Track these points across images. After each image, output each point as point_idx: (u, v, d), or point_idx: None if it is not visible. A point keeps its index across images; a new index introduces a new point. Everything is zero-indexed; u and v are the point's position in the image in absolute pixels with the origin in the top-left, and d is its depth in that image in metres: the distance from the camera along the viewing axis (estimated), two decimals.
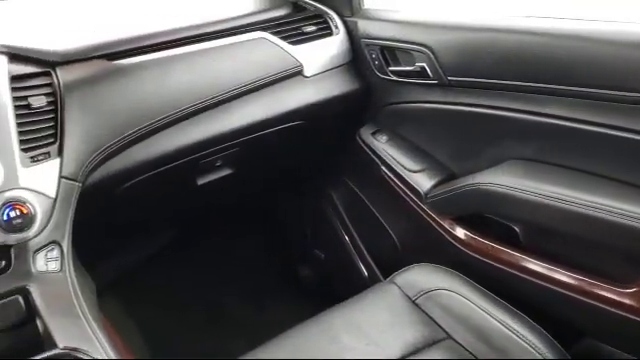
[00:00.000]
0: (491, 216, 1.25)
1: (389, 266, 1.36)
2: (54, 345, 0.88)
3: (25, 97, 1.03)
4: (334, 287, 1.77)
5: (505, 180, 1.18)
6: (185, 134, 1.23)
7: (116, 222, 1.37)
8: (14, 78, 1.03)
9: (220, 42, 1.29)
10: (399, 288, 1.15)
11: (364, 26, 1.41)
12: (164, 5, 1.45)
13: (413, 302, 1.12)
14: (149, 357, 1.58)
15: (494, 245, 1.23)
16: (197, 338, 1.70)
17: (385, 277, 1.26)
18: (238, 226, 2.01)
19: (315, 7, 1.48)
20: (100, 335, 0.90)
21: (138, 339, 1.63)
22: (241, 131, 1.30)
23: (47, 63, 1.09)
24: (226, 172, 1.43)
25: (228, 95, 1.25)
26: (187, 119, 1.22)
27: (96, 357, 0.85)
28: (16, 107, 1.01)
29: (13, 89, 1.01)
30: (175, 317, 1.76)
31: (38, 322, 0.95)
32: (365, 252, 1.61)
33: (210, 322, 1.79)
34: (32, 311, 0.96)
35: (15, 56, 1.06)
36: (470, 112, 1.25)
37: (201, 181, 1.39)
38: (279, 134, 1.37)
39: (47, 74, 1.08)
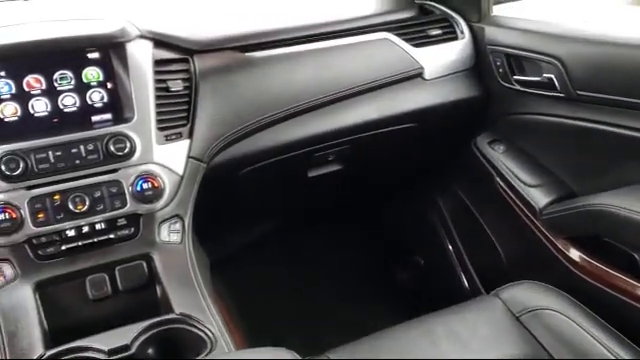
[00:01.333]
0: (610, 240, 1.18)
1: (491, 279, 1.33)
2: (171, 310, 0.96)
3: (165, 80, 1.12)
4: (431, 294, 1.75)
5: (629, 204, 1.11)
6: (304, 127, 1.27)
7: (231, 204, 1.44)
8: (157, 62, 1.12)
9: (345, 40, 1.32)
10: (503, 303, 1.12)
11: (491, 32, 1.38)
12: (294, 2, 1.50)
13: (517, 319, 1.09)
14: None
15: (610, 270, 1.16)
16: (289, 329, 1.75)
17: (486, 290, 1.23)
18: (340, 223, 2.04)
19: (442, 11, 1.48)
20: (212, 307, 0.96)
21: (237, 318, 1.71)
22: (356, 128, 1.33)
23: (186, 50, 1.17)
24: (336, 167, 1.46)
25: (348, 92, 1.29)
26: (307, 112, 1.26)
27: (207, 326, 0.91)
28: (156, 89, 1.10)
29: (155, 72, 1.11)
30: (269, 304, 1.81)
31: (157, 287, 1.04)
32: (468, 263, 1.58)
33: (302, 313, 1.83)
34: (153, 277, 1.05)
35: (159, 42, 1.14)
36: (597, 129, 1.19)
37: (312, 173, 1.44)
38: (392, 135, 1.38)
39: (185, 61, 1.17)
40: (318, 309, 1.84)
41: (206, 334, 0.92)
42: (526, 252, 1.37)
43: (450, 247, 1.64)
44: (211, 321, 0.94)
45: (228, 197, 1.37)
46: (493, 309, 1.12)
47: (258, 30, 1.28)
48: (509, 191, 1.38)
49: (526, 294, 1.14)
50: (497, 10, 1.44)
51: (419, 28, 1.40)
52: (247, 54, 1.24)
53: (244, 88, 1.21)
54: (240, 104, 1.20)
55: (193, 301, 0.98)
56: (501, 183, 1.40)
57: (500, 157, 1.42)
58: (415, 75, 1.36)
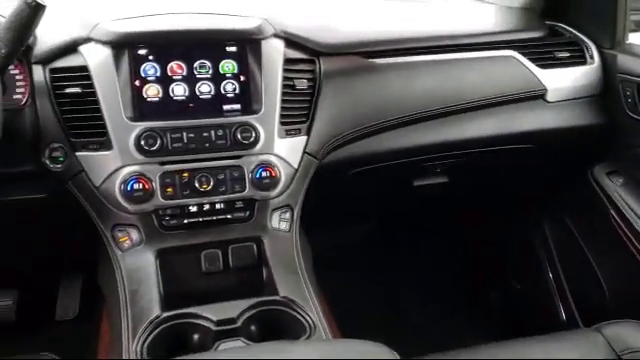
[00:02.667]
0: None
1: (591, 314, 1.28)
2: (275, 292, 1.02)
3: (292, 78, 1.19)
4: (524, 319, 1.70)
5: None
6: (417, 135, 1.30)
7: (335, 202, 1.49)
8: (286, 61, 1.19)
9: (469, 54, 1.33)
10: (605, 339, 1.08)
11: (624, 61, 1.33)
12: (421, 12, 1.52)
13: (619, 357, 1.04)
14: None
15: None
16: (373, 332, 1.77)
17: (585, 323, 1.19)
18: (436, 234, 2.03)
19: (572, 34, 1.44)
20: (313, 295, 1.01)
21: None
22: (469, 143, 1.33)
23: (314, 52, 1.23)
24: (442, 180, 1.47)
25: (467, 106, 1.29)
26: (423, 122, 1.28)
27: (308, 312, 0.96)
28: (283, 86, 1.17)
29: (284, 70, 1.17)
30: (354, 306, 1.84)
31: (264, 269, 1.11)
32: (568, 293, 1.53)
33: (386, 320, 1.84)
34: (261, 259, 1.12)
35: (290, 42, 1.21)
36: None
37: (417, 182, 1.45)
38: (506, 154, 1.37)
39: (312, 61, 1.23)
40: (403, 318, 1.85)
41: (306, 320, 0.97)
42: (633, 290, 1.31)
43: (550, 275, 1.59)
44: (312, 308, 0.99)
45: (333, 195, 1.42)
46: (594, 344, 1.08)
47: (383, 37, 1.32)
48: (623, 225, 1.32)
49: (630, 333, 1.09)
50: (633, 38, 1.39)
51: (547, 49, 1.38)
52: (370, 60, 1.28)
53: (364, 92, 1.25)
54: (359, 107, 1.24)
55: (296, 287, 1.03)
56: (616, 217, 1.34)
57: (618, 190, 1.36)
58: (537, 96, 1.34)
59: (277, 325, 0.98)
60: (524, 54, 1.35)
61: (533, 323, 1.33)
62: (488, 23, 1.45)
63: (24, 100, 1.09)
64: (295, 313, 0.97)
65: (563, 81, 1.36)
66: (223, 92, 1.15)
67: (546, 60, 1.36)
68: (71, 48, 1.10)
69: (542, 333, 1.13)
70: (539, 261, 1.63)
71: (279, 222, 1.17)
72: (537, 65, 1.34)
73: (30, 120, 1.07)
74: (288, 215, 1.18)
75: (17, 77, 1.09)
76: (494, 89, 1.31)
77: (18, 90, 1.10)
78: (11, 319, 1.59)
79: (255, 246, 1.13)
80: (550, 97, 1.35)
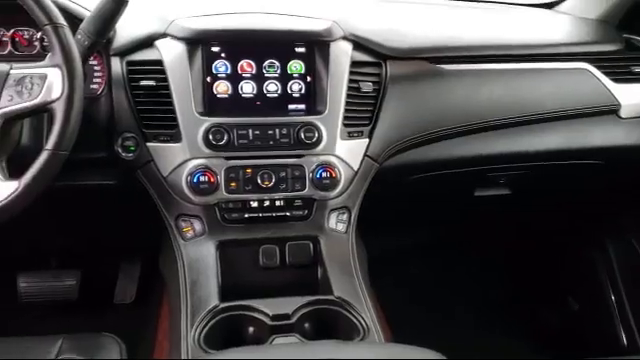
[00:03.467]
0: None
1: None
2: (330, 292, 1.02)
3: (357, 81, 1.19)
4: (581, 340, 1.64)
5: None
6: (482, 144, 1.28)
7: (392, 207, 1.49)
8: (353, 63, 1.19)
9: (541, 65, 1.30)
10: None
11: None
12: (491, 19, 1.50)
13: None
14: None
15: None
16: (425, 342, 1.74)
17: None
18: (492, 246, 1.99)
19: None
20: (368, 297, 1.01)
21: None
22: (536, 155, 1.30)
23: (381, 55, 1.23)
24: (504, 192, 1.44)
25: (535, 117, 1.26)
26: (488, 131, 1.26)
27: (362, 315, 0.96)
28: (349, 88, 1.17)
29: (350, 72, 1.18)
30: (405, 314, 1.82)
31: (319, 268, 1.12)
32: (630, 317, 1.46)
33: (440, 332, 1.81)
34: (317, 258, 1.13)
35: (358, 45, 1.22)
36: None
37: (479, 193, 1.43)
38: (573, 168, 1.33)
39: (379, 65, 1.23)
40: (456, 329, 1.81)
41: (359, 322, 0.97)
42: None
43: (612, 297, 1.53)
44: (365, 310, 0.99)
45: (392, 200, 1.41)
46: None
47: (452, 43, 1.31)
48: None
49: None
50: None
51: (622, 63, 1.33)
52: (438, 65, 1.27)
53: (430, 98, 1.24)
54: (423, 112, 1.24)
55: (351, 288, 1.04)
56: None
57: None
58: (610, 111, 1.30)
59: (330, 324, 0.98)
60: (598, 67, 1.31)
61: (591, 345, 1.28)
62: (562, 34, 1.41)
63: (100, 90, 1.15)
64: (349, 314, 0.98)
65: (638, 97, 1.30)
66: (289, 92, 1.17)
67: (621, 74, 1.31)
68: (148, 42, 1.15)
69: (601, 356, 1.10)
70: (600, 282, 1.57)
71: (336, 223, 1.17)
72: (611, 79, 1.30)
73: (105, 109, 1.13)
74: (345, 216, 1.19)
75: (95, 67, 1.15)
76: (565, 102, 1.27)
77: (95, 80, 1.16)
78: (73, 298, 1.66)
79: (311, 245, 1.14)
80: (623, 113, 1.30)
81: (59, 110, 0.89)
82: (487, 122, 1.25)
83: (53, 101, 0.89)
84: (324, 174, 1.14)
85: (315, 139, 1.14)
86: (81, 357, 0.96)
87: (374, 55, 1.23)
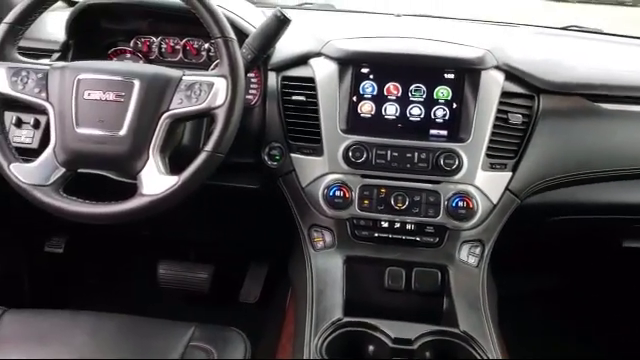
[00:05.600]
0: None
1: None
2: (455, 324, 1.00)
3: (506, 112, 1.16)
4: None
5: None
6: (635, 192, 1.18)
7: (531, 247, 1.41)
8: (504, 94, 1.16)
9: None
10: None
11: None
12: None
13: None
14: None
15: None
16: None
17: None
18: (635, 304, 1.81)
19: None
20: (494, 336, 0.97)
21: None
22: None
23: (535, 88, 1.19)
24: None
25: None
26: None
27: (487, 353, 0.93)
28: (496, 118, 1.14)
29: (499, 102, 1.15)
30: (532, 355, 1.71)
31: (445, 299, 1.09)
32: None
33: None
34: (444, 288, 1.10)
35: (511, 75, 1.19)
36: None
37: (628, 244, 1.31)
38: None
39: (531, 97, 1.18)
40: None
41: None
42: None
43: None
44: (492, 349, 0.95)
45: (529, 239, 1.34)
46: None
47: (614, 81, 1.23)
48: None
49: None
50: None
51: None
52: (595, 104, 1.20)
53: (583, 137, 1.18)
54: (575, 151, 1.17)
55: (478, 324, 1.00)
56: None
57: None
58: None
59: (451, 358, 0.96)
60: None
61: None
62: None
63: (254, 100, 1.23)
64: (473, 351, 0.94)
65: None
66: (432, 117, 1.17)
67: None
68: (303, 60, 1.21)
69: None
70: None
71: (468, 255, 1.14)
72: None
73: (258, 119, 1.21)
74: (479, 250, 1.15)
75: (252, 80, 1.24)
76: None
77: (251, 91, 1.25)
78: (204, 291, 1.78)
79: (440, 274, 1.12)
80: None
81: (221, 116, 0.96)
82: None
83: (217, 107, 0.97)
84: (460, 203, 1.12)
85: (455, 166, 1.12)
86: (210, 346, 1.03)
87: (527, 87, 1.19)
